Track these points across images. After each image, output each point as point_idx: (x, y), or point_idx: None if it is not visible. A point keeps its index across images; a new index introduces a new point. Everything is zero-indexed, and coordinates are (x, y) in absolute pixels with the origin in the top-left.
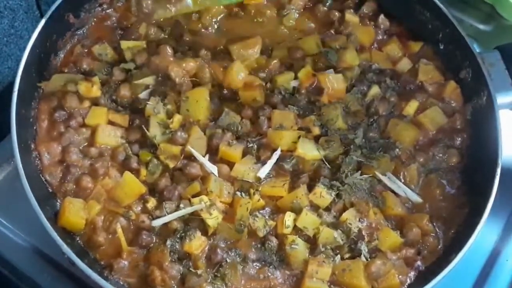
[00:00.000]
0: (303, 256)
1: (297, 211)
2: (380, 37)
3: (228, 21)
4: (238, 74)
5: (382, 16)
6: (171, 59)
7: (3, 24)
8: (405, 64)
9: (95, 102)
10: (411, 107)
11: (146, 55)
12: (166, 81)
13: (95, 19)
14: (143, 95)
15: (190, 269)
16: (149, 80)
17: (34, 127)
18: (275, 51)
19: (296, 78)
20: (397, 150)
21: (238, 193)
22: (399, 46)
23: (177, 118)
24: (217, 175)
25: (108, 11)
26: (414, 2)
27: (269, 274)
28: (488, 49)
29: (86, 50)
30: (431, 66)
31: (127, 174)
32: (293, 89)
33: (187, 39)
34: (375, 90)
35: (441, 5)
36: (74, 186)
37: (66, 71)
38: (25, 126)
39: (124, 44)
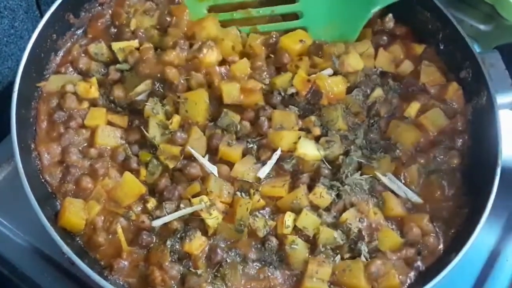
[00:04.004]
0: (303, 256)
1: (297, 211)
2: (384, 40)
3: None
4: (230, 95)
5: (390, 16)
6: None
7: (3, 24)
8: (407, 66)
9: (93, 103)
10: (412, 108)
11: (138, 55)
12: (162, 82)
13: (91, 18)
14: (141, 96)
15: (190, 269)
16: (142, 87)
17: (34, 127)
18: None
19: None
20: (398, 151)
21: (238, 193)
22: (402, 49)
23: (176, 119)
24: (217, 175)
25: (103, 9)
26: (414, 2)
27: (269, 274)
28: (488, 49)
29: (83, 50)
30: (433, 67)
31: (127, 174)
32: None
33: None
34: (378, 92)
35: (441, 6)
36: (74, 187)
37: (63, 71)
38: (25, 126)
39: (116, 45)
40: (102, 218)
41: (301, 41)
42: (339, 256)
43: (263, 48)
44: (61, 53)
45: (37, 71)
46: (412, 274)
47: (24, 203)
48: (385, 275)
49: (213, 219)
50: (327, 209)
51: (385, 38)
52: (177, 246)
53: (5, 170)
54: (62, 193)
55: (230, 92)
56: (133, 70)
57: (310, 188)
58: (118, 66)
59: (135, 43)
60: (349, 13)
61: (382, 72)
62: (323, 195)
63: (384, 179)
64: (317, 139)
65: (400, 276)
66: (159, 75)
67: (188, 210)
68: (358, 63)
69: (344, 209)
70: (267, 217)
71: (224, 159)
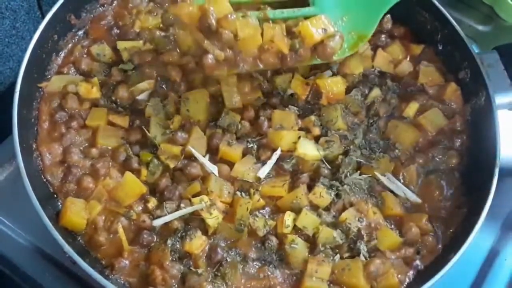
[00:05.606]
0: (303, 255)
1: (297, 211)
2: (382, 41)
3: None
4: (232, 101)
5: (388, 16)
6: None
7: (4, 25)
8: (406, 67)
9: (95, 103)
10: (411, 108)
11: (143, 55)
12: (166, 81)
13: (92, 19)
14: (142, 96)
15: (191, 268)
16: (144, 85)
17: (36, 128)
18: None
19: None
20: (397, 151)
21: (238, 193)
22: (401, 49)
23: (177, 119)
24: (217, 175)
25: (105, 10)
26: (413, 2)
27: (269, 273)
28: (487, 50)
29: (85, 51)
30: (432, 68)
31: (128, 174)
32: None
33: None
34: (376, 92)
35: (440, 6)
36: (75, 187)
37: (65, 72)
38: (27, 126)
39: (121, 44)
40: (103, 217)
41: (323, 30)
42: (338, 255)
43: (286, 39)
44: (62, 54)
45: (38, 71)
46: (411, 273)
47: (26, 203)
48: (384, 274)
49: (213, 218)
50: (327, 209)
51: (383, 38)
52: (178, 246)
53: (7, 170)
54: (64, 193)
55: (231, 99)
56: (138, 69)
57: (310, 188)
58: (121, 66)
59: (140, 43)
60: (365, 3)
61: (381, 72)
62: (322, 194)
63: (383, 179)
64: (316, 139)
65: (399, 275)
66: (162, 74)
67: (189, 209)
68: (358, 67)
69: (344, 208)
70: (267, 216)
71: (224, 158)
